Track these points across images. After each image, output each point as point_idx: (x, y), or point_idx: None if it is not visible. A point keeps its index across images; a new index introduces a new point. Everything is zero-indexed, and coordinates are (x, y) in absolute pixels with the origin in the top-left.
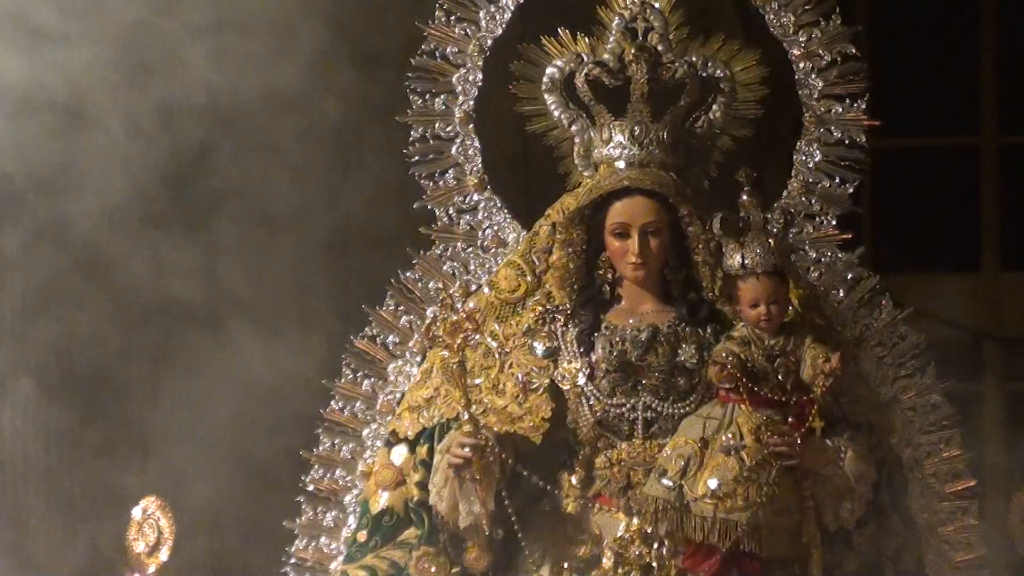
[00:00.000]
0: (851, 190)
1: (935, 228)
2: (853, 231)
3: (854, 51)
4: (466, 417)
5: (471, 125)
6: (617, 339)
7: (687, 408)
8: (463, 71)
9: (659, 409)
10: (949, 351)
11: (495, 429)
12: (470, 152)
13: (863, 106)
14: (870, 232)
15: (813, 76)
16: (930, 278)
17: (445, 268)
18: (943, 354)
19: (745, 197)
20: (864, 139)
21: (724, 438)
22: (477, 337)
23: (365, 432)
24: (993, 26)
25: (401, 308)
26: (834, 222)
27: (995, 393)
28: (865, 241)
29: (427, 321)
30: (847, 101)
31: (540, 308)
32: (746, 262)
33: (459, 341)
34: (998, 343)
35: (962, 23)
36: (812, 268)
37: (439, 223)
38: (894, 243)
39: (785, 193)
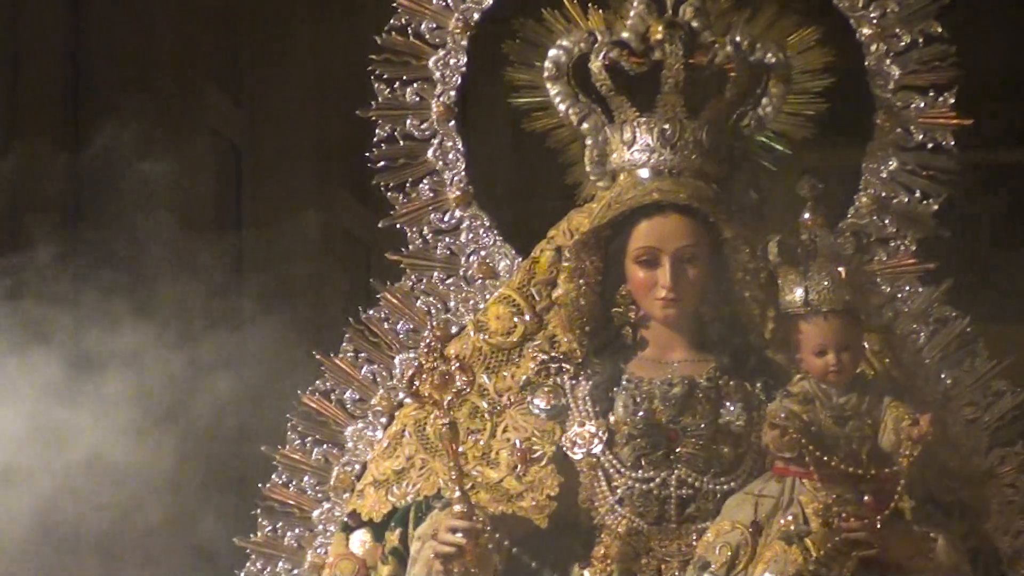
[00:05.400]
0: (936, 207)
1: None
2: (939, 260)
3: (940, 30)
4: (458, 494)
5: (452, 122)
6: (643, 396)
7: (733, 484)
8: (442, 53)
9: (698, 485)
10: None
11: (489, 510)
12: (451, 156)
13: (951, 100)
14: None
15: (888, 62)
16: None
17: (418, 304)
18: None
19: (808, 215)
20: (953, 143)
21: (783, 522)
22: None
23: (316, 513)
24: None
25: (362, 355)
26: (914, 247)
27: None
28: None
29: (408, 372)
30: (931, 94)
31: (542, 356)
32: (810, 298)
33: (450, 397)
34: None
35: None
36: (885, 306)
37: (411, 247)
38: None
39: (852, 211)
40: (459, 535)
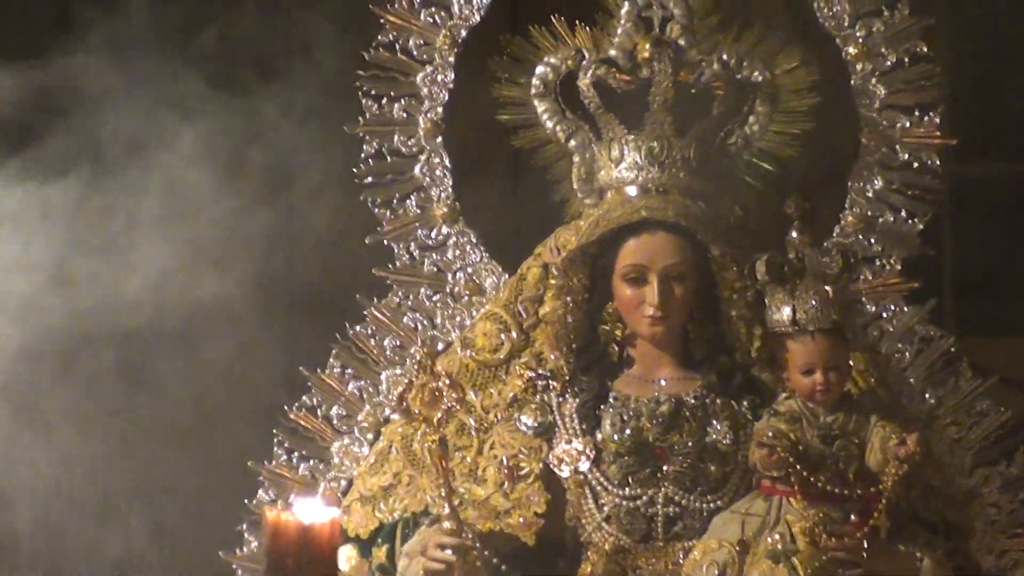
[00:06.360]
0: (921, 226)
1: None
2: (924, 279)
3: (925, 49)
4: (447, 511)
5: (439, 138)
6: (630, 413)
7: (720, 502)
8: (430, 69)
9: (684, 503)
10: None
11: (477, 527)
12: (438, 173)
13: (937, 119)
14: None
15: (874, 81)
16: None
17: (405, 320)
18: None
19: (795, 234)
20: (938, 162)
21: (770, 540)
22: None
23: None
24: None
25: (349, 371)
26: (899, 267)
27: None
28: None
29: (398, 389)
30: (916, 113)
31: (529, 373)
32: (798, 317)
33: (439, 414)
34: None
35: None
36: (871, 325)
37: (398, 263)
38: (978, 297)
39: (838, 229)
40: (448, 552)
